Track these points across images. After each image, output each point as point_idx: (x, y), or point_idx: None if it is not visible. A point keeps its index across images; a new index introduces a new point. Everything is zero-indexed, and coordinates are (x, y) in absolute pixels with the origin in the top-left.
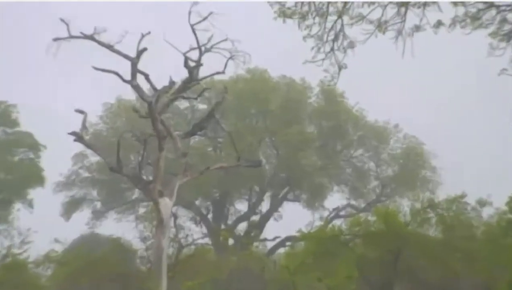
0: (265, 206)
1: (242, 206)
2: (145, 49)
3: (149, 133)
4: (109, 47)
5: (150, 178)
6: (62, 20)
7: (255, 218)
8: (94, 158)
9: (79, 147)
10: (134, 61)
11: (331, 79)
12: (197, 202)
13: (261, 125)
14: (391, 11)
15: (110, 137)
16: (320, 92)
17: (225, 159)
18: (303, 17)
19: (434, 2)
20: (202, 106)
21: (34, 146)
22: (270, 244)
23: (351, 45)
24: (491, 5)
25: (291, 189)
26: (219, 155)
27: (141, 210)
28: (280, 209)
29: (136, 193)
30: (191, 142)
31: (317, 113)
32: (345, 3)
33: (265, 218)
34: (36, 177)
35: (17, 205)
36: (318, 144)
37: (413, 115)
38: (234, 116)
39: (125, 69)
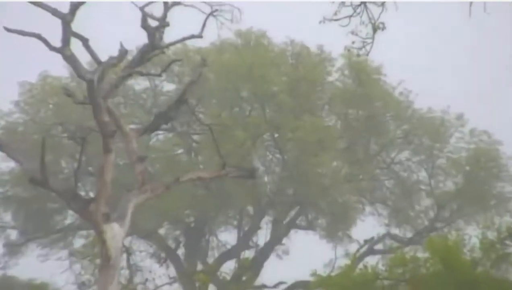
0: (263, 237)
1: (228, 237)
2: (82, 2)
3: (89, 128)
4: None
5: (92, 194)
6: None
7: (249, 254)
8: (6, 164)
9: None
10: (66, 19)
11: (361, 46)
12: (161, 231)
13: (258, 116)
14: None
15: (30, 133)
16: (346, 66)
17: (203, 167)
18: None
19: None
20: (169, 87)
21: None
22: None
23: None
24: None
25: (302, 211)
26: (194, 160)
27: (78, 243)
28: (285, 240)
29: (70, 218)
30: (153, 140)
31: (341, 97)
32: None
33: (264, 254)
34: None
35: None
36: (342, 144)
37: (484, 101)
38: (218, 102)
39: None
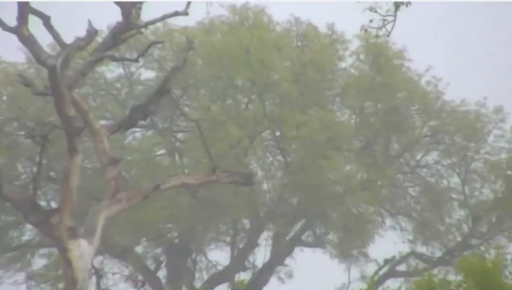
0: (261, 256)
1: (220, 256)
2: None
3: (51, 124)
4: None
5: (54, 204)
6: None
7: (244, 276)
8: None
9: None
10: None
11: (381, 25)
12: (138, 249)
13: (256, 110)
14: None
15: None
16: (362, 49)
17: (189, 171)
18: None
19: None
20: (148, 75)
21: None
22: None
23: None
24: None
25: (308, 224)
26: (178, 163)
27: (38, 264)
28: (288, 260)
29: (29, 233)
30: (129, 139)
31: (356, 87)
32: None
33: (262, 276)
34: None
35: None
36: (357, 144)
37: None
38: (207, 92)
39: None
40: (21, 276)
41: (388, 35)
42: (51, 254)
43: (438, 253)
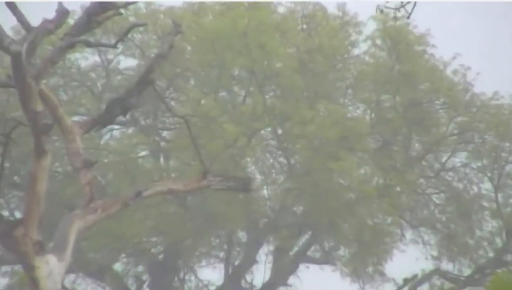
0: (260, 274)
1: (212, 274)
2: None
3: (14, 121)
4: None
5: (18, 215)
6: None
7: None
8: None
9: None
10: None
11: (400, 5)
12: (117, 266)
13: (255, 103)
14: None
15: None
16: (378, 33)
17: (177, 175)
18: None
19: None
20: (129, 63)
21: None
22: None
23: None
24: None
25: (315, 237)
26: (164, 166)
27: (1, 283)
28: (292, 279)
29: None
30: (106, 138)
31: (371, 77)
32: None
33: None
34: None
35: None
36: (373, 143)
37: None
38: (197, 84)
39: None
40: None
41: (408, 17)
42: (14, 273)
43: (467, 271)
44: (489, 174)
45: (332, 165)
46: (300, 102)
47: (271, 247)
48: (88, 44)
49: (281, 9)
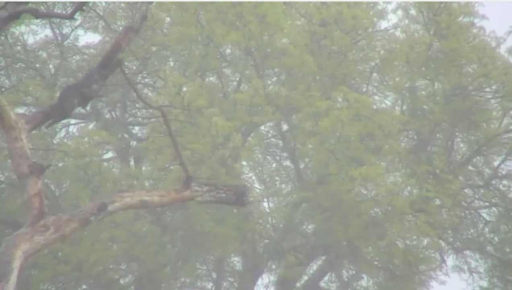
0: None
1: None
2: None
3: None
4: None
5: None
6: None
7: None
8: None
9: None
10: None
11: None
12: None
13: (253, 91)
14: None
15: None
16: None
17: (151, 184)
18: None
19: None
20: (89, 39)
21: None
22: None
23: None
24: None
25: (331, 264)
26: (135, 171)
27: None
28: None
29: None
30: (60, 136)
31: (404, 57)
32: None
33: None
34: None
35: None
36: (406, 143)
37: None
38: (178, 65)
39: None
40: None
41: None
42: None
43: None
44: None
45: (353, 172)
46: (312, 89)
47: (273, 277)
48: (37, 14)
49: None
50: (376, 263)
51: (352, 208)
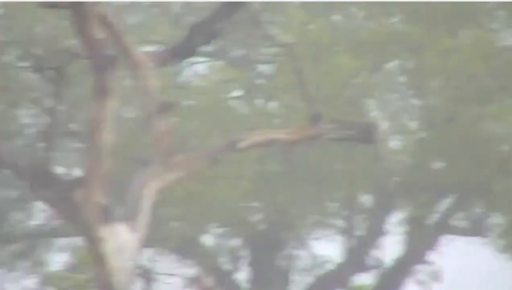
0: (390, 249)
1: (327, 249)
2: None
3: (69, 52)
4: None
5: (77, 172)
6: None
7: (365, 279)
8: None
9: None
10: None
11: None
12: (207, 240)
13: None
14: None
15: None
16: None
17: (279, 122)
18: None
19: None
20: None
21: None
22: None
23: None
24: None
25: (461, 202)
26: (262, 109)
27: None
28: (431, 255)
29: (40, 216)
30: (187, 74)
31: None
32: None
33: (393, 279)
34: None
35: None
36: None
37: None
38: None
39: None
40: (30, 283)
41: None
42: (74, 247)
43: None
44: None
45: (482, 109)
46: (438, 26)
47: (404, 215)
48: None
49: None
50: (506, 200)
51: (481, 146)
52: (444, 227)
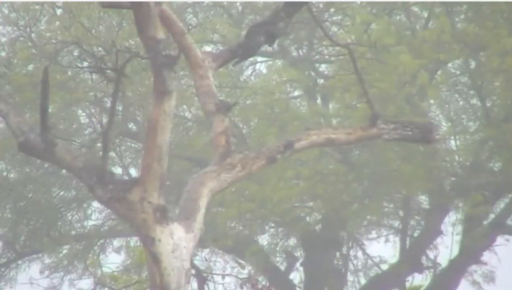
0: (446, 250)
1: (383, 249)
2: None
3: (128, 51)
4: None
5: (134, 173)
6: None
7: (420, 279)
8: None
9: None
10: None
11: None
12: (262, 239)
13: (441, 28)
14: None
15: (21, 61)
16: None
17: (338, 121)
18: None
19: None
20: None
21: None
22: None
23: None
24: None
25: None
26: (321, 109)
27: (110, 262)
28: (487, 255)
29: (96, 216)
30: (247, 74)
31: None
32: None
33: (449, 279)
34: None
35: None
36: None
37: None
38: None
39: None
40: (86, 283)
41: None
42: (130, 247)
43: None
44: None
45: None
46: (500, 26)
47: (460, 215)
48: None
49: None
50: None
51: None
52: (501, 227)
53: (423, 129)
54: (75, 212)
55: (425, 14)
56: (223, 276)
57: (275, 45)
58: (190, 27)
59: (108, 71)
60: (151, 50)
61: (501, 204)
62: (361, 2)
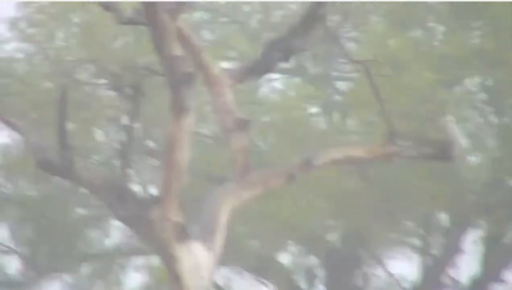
0: (467, 268)
1: (404, 267)
2: None
3: (146, 69)
4: None
5: (153, 190)
6: None
7: None
8: None
9: None
10: None
11: None
12: (283, 258)
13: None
14: None
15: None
16: None
17: (357, 138)
18: None
19: None
20: None
21: None
22: None
23: None
24: None
25: None
26: (339, 126)
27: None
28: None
29: (116, 234)
30: (264, 91)
31: None
32: None
33: None
34: None
35: None
36: None
37: None
38: (382, 18)
39: None
40: None
41: None
42: (150, 266)
43: None
44: None
45: None
46: None
47: (481, 233)
48: None
49: None
50: None
51: None
52: None
53: (442, 146)
54: (94, 230)
55: (441, 28)
56: None
57: (292, 62)
58: (207, 43)
59: (126, 88)
60: (167, 67)
61: None
62: (377, 18)
